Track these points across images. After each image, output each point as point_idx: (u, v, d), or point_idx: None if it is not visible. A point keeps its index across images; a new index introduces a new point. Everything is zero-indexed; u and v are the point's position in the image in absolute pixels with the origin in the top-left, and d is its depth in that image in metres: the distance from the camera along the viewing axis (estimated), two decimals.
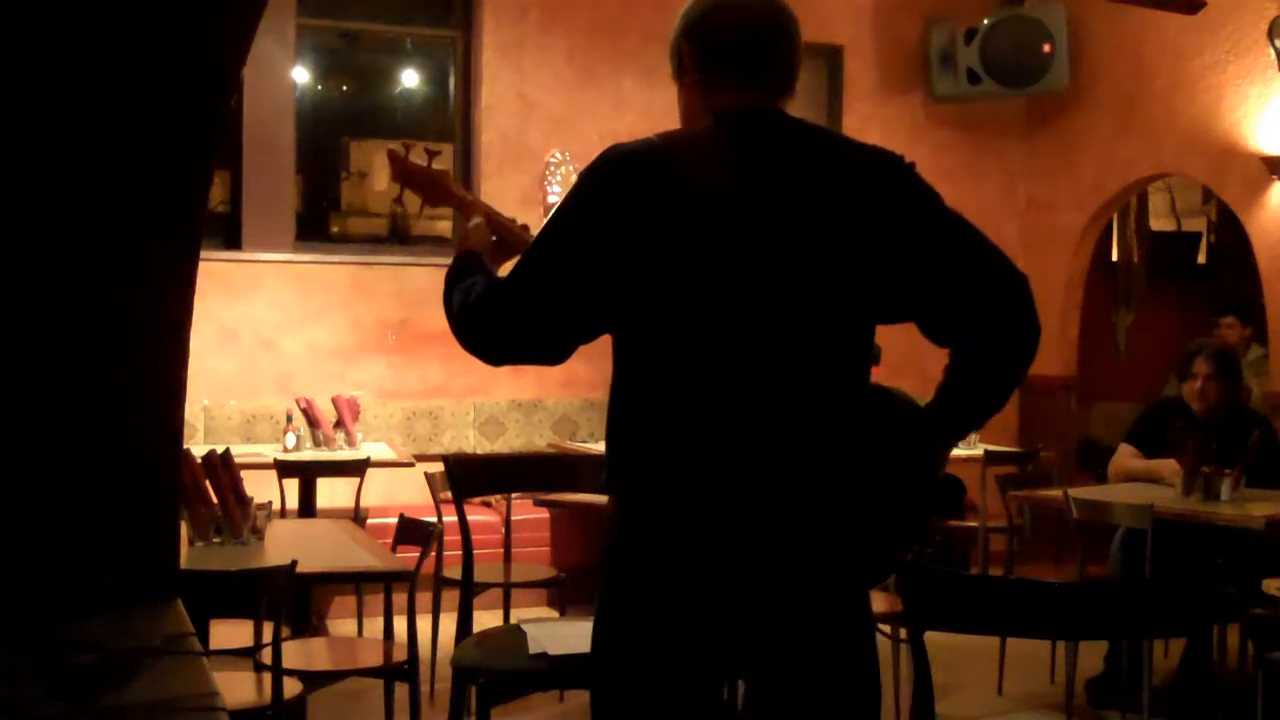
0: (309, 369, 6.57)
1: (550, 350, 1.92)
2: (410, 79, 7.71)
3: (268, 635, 3.43)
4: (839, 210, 1.87)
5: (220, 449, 3.78)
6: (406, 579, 3.64)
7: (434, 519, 4.08)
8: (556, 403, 7.01)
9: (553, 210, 1.94)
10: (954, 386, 1.95)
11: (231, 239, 6.62)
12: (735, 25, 1.96)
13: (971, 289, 1.93)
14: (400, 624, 3.82)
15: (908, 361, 1.97)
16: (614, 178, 1.86)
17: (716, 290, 1.82)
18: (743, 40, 1.95)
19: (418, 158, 2.40)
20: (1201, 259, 9.09)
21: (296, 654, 3.64)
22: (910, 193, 1.93)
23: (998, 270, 1.94)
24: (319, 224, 7.37)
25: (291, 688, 3.29)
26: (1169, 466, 4.80)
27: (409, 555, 3.77)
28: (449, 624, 3.81)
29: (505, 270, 1.98)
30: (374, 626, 4.45)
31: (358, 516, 5.18)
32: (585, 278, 1.85)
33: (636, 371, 1.88)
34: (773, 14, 1.97)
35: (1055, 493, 4.97)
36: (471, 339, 1.93)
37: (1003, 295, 1.93)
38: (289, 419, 5.81)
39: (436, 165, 2.36)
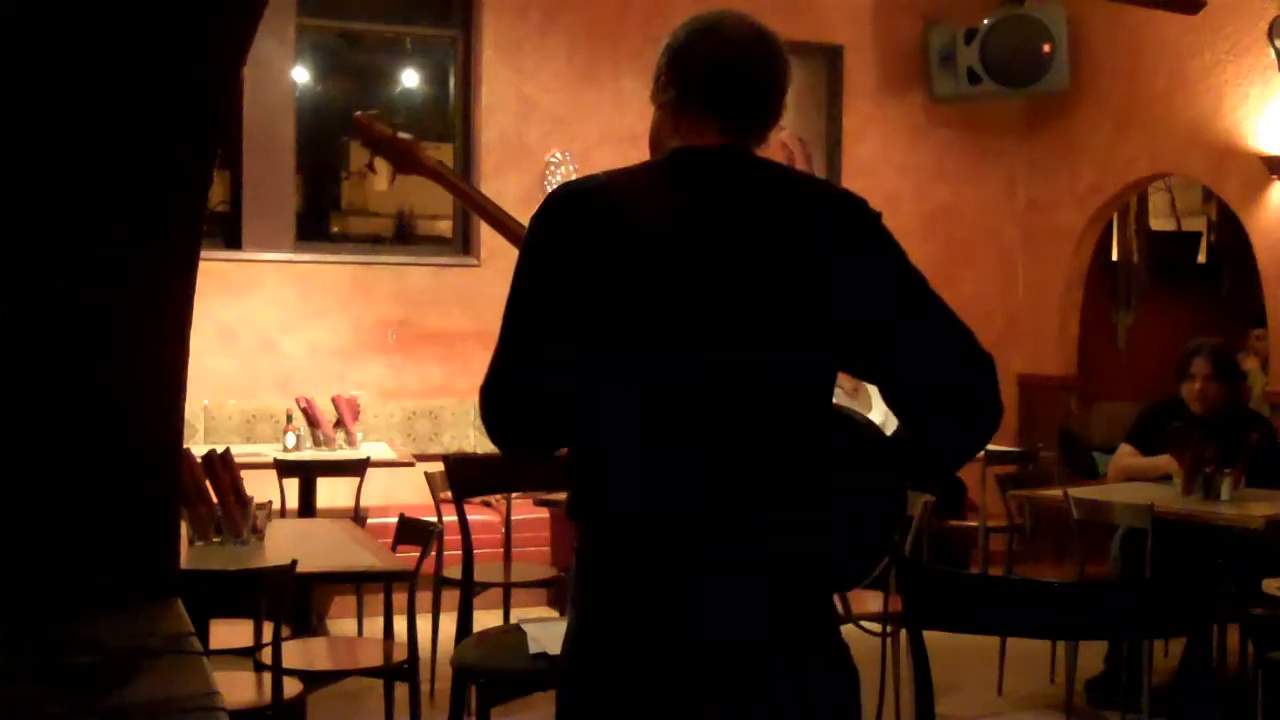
0: (309, 369, 6.57)
1: (560, 415, 1.84)
2: (410, 79, 7.72)
3: (268, 635, 3.43)
4: (785, 255, 1.80)
5: (220, 449, 3.78)
6: (406, 579, 3.64)
7: (434, 519, 4.08)
8: None
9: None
10: (905, 452, 1.89)
11: (231, 239, 6.62)
12: (717, 58, 1.87)
13: (928, 366, 1.82)
14: (400, 624, 3.82)
15: None
16: (558, 218, 1.82)
17: (654, 330, 1.78)
18: (720, 75, 1.87)
19: (382, 124, 2.40)
20: (1201, 259, 9.10)
21: (296, 654, 3.64)
22: (871, 244, 1.84)
23: (959, 350, 1.82)
24: (319, 224, 7.37)
25: (291, 688, 3.29)
26: (1166, 459, 4.81)
27: (409, 555, 3.77)
28: (449, 624, 3.82)
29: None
30: (374, 626, 4.45)
31: (358, 516, 5.18)
32: (557, 322, 1.80)
33: (589, 402, 1.82)
34: (758, 51, 1.88)
35: (1055, 493, 4.97)
36: (492, 433, 1.87)
37: (962, 380, 1.83)
38: (289, 419, 5.81)
39: (402, 134, 2.37)
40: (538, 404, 1.83)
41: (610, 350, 1.80)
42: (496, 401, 1.85)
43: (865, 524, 1.89)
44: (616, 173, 1.87)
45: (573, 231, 1.81)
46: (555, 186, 1.87)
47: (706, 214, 1.82)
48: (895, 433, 1.92)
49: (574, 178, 1.88)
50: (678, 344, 1.79)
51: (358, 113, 2.41)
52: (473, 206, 2.34)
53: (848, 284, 1.81)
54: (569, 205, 1.83)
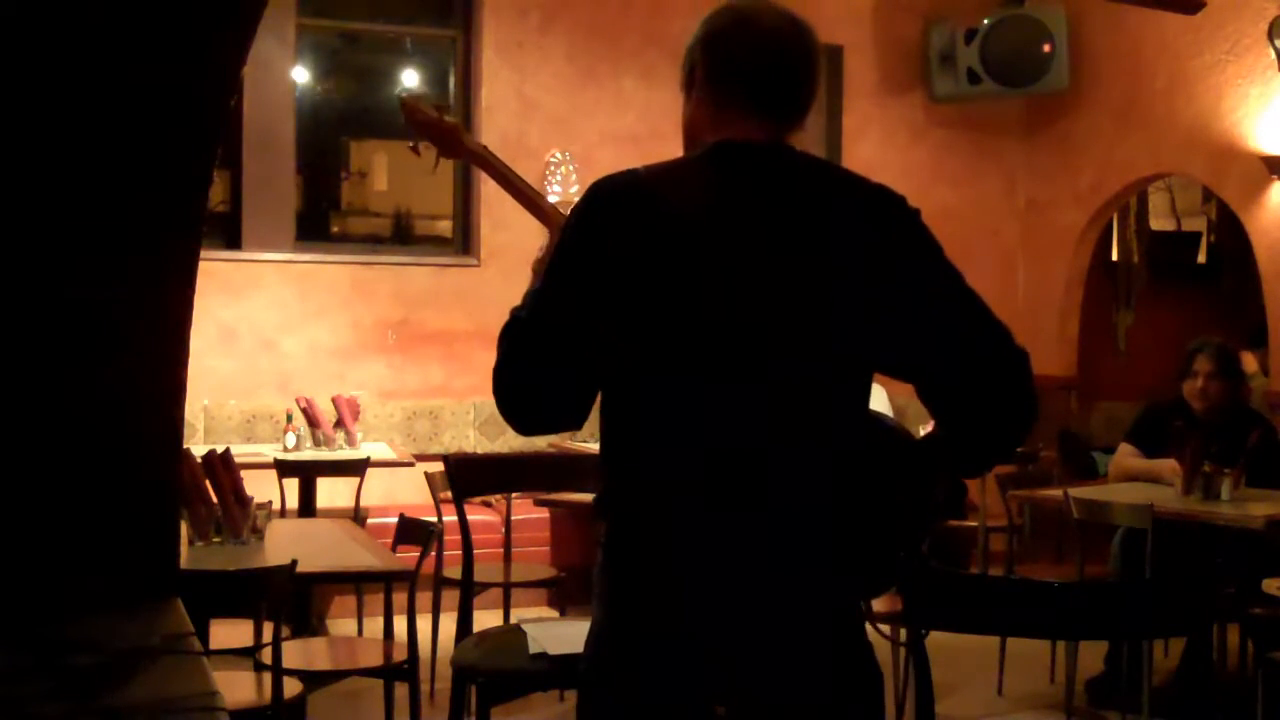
0: (309, 369, 6.57)
1: (572, 402, 1.84)
2: (410, 79, 7.71)
3: (268, 635, 3.43)
4: (825, 252, 1.80)
5: (220, 449, 3.78)
6: (406, 579, 3.64)
7: (434, 519, 4.08)
8: None
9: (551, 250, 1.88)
10: (941, 450, 1.90)
11: (231, 239, 6.62)
12: (758, 49, 1.86)
13: (964, 363, 1.83)
14: (400, 624, 3.82)
15: None
16: (596, 213, 1.81)
17: (696, 331, 1.77)
18: (762, 67, 1.86)
19: (429, 107, 2.41)
20: (1201, 259, 9.09)
21: (296, 654, 3.64)
22: (910, 240, 1.84)
23: (995, 346, 1.84)
24: (319, 224, 7.37)
25: (291, 688, 3.29)
26: (1169, 466, 4.80)
27: (409, 555, 3.77)
28: (449, 624, 3.81)
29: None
30: (374, 626, 4.45)
31: (358, 516, 5.18)
32: (587, 315, 1.80)
33: (625, 400, 1.83)
34: (798, 44, 1.87)
35: (1055, 493, 4.97)
36: (501, 402, 1.85)
37: (998, 377, 1.84)
38: (289, 419, 5.81)
39: (448, 118, 2.38)
40: (547, 390, 1.84)
41: (649, 351, 1.79)
42: (509, 384, 1.84)
43: (895, 530, 1.90)
44: (657, 168, 1.85)
45: (614, 228, 1.79)
46: (597, 180, 1.84)
47: (749, 213, 1.81)
48: (925, 436, 1.92)
49: (612, 173, 1.84)
50: (718, 346, 1.78)
51: (404, 94, 2.41)
52: (515, 193, 2.33)
53: (888, 282, 1.81)
54: (612, 201, 1.81)
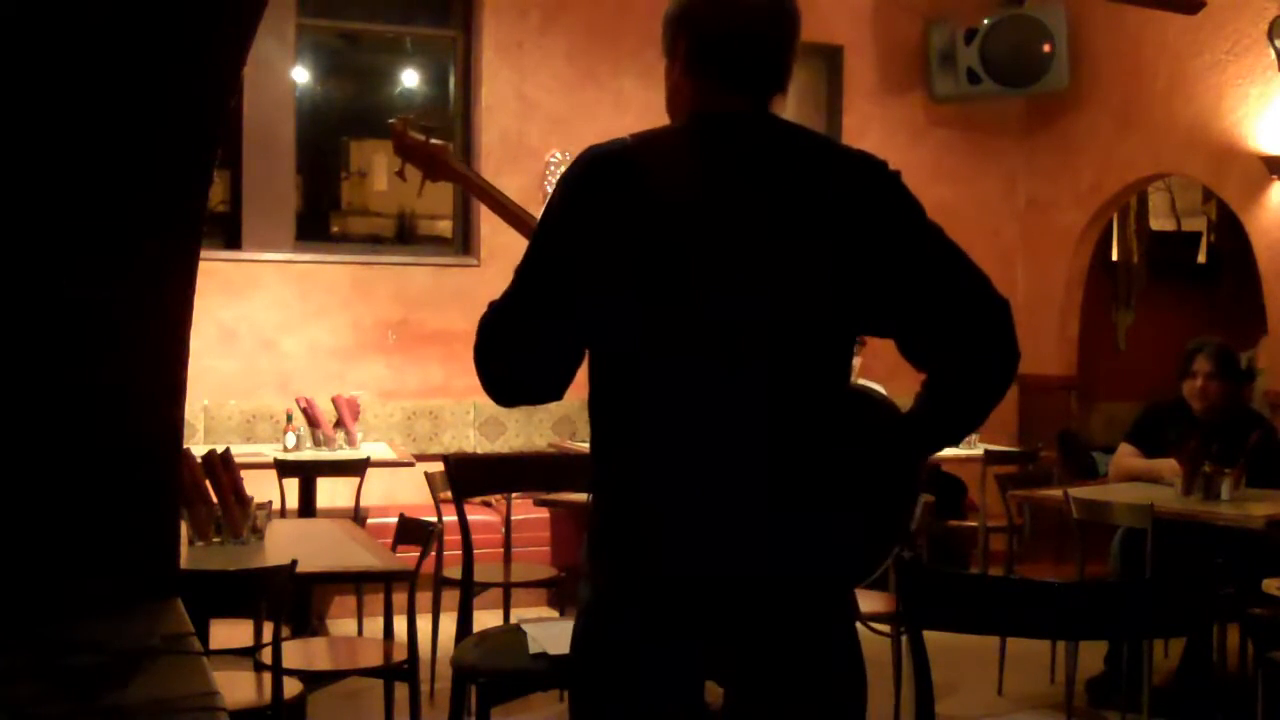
0: (309, 369, 6.57)
1: (553, 373, 1.86)
2: (410, 79, 7.72)
3: (268, 635, 3.43)
4: (810, 216, 1.82)
5: (220, 449, 3.78)
6: (406, 579, 3.64)
7: (434, 519, 4.08)
8: (556, 403, 7.01)
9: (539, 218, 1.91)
10: (928, 406, 1.91)
11: (231, 239, 6.62)
12: (736, 24, 1.88)
13: (948, 311, 1.87)
14: (400, 624, 3.82)
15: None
16: (587, 180, 1.83)
17: (679, 294, 1.78)
18: (741, 41, 1.88)
19: (416, 131, 2.42)
20: (1201, 259, 9.09)
21: (296, 654, 3.64)
22: (892, 202, 1.87)
23: (977, 294, 1.88)
24: (319, 224, 7.37)
25: (291, 688, 3.29)
26: (1169, 466, 4.80)
27: (409, 555, 3.77)
28: (449, 624, 3.81)
29: None
30: (374, 626, 4.45)
31: (358, 516, 5.18)
32: (572, 282, 1.81)
33: (615, 370, 1.85)
34: (777, 14, 1.90)
35: (1055, 493, 4.97)
36: (481, 370, 1.87)
37: (981, 321, 1.87)
38: (289, 419, 5.81)
39: (435, 140, 2.39)
40: (528, 361, 1.86)
41: (638, 323, 1.80)
42: (494, 349, 1.86)
43: (884, 508, 1.91)
44: (646, 136, 1.87)
45: (603, 196, 1.81)
46: (585, 149, 1.86)
47: (739, 182, 1.83)
48: (914, 403, 1.93)
49: (601, 142, 1.88)
50: (711, 316, 1.79)
51: (392, 119, 2.42)
52: (504, 214, 2.34)
53: (876, 244, 1.84)
54: (595, 167, 1.83)
